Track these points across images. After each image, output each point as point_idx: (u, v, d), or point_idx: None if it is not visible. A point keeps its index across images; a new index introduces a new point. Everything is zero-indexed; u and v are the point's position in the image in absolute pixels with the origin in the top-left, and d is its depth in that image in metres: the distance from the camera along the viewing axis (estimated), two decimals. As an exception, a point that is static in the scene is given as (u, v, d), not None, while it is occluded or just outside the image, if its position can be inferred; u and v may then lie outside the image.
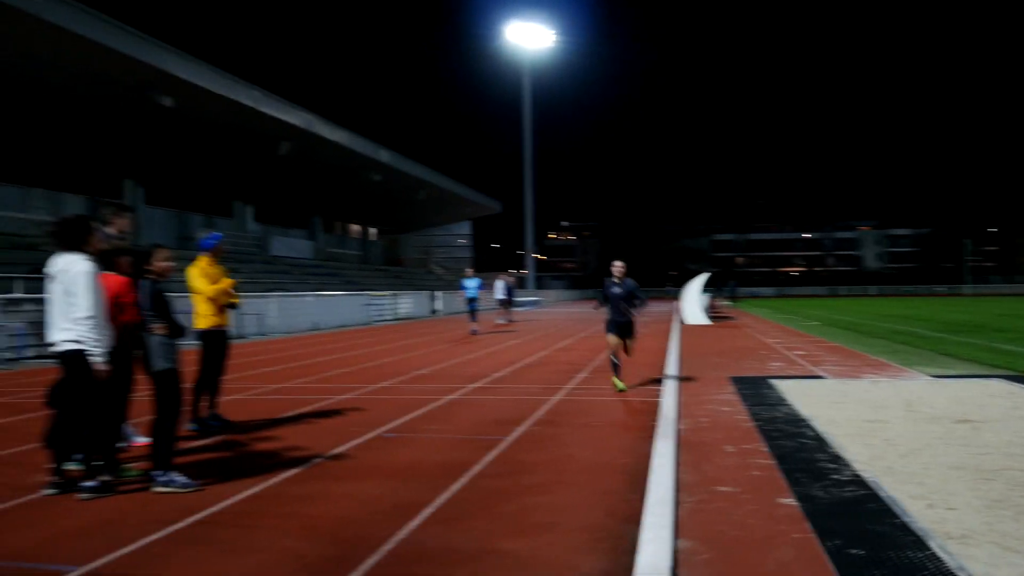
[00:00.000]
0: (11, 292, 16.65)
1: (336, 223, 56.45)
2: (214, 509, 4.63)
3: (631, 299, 9.50)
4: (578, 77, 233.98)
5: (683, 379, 10.48)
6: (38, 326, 14.94)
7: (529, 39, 62.16)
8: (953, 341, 16.51)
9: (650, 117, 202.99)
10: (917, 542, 3.83)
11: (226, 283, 7.42)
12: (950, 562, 3.55)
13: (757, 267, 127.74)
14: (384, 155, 37.84)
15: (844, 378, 10.39)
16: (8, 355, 14.34)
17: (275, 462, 5.87)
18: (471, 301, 21.81)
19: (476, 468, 5.57)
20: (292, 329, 24.50)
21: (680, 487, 4.90)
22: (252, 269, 32.35)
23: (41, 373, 12.80)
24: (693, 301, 26.14)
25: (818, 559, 3.62)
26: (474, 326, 21.44)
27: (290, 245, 44.33)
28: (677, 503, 4.53)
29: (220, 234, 7.70)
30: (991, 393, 8.81)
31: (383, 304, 33.03)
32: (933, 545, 3.78)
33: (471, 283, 21.98)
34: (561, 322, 28.94)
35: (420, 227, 69.32)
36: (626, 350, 9.77)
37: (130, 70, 21.51)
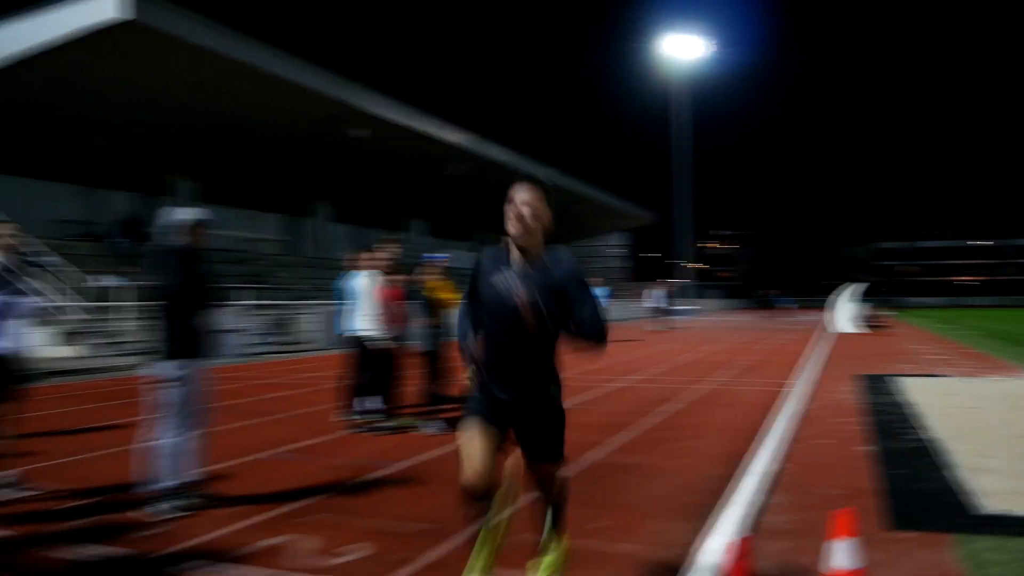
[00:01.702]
0: (231, 300, 20.10)
1: (498, 236, 59.87)
2: (465, 441, 6.99)
3: (562, 312, 3.08)
4: (736, 85, 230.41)
5: (814, 375, 12.10)
6: (275, 326, 18.32)
7: (685, 50, 63.38)
8: (1104, 349, 16.92)
9: (812, 122, 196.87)
10: (947, 468, 5.61)
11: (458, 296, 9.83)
12: (961, 476, 5.33)
13: (926, 276, 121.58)
14: (543, 172, 40.47)
15: (966, 377, 11.65)
16: (254, 350, 17.73)
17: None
18: None
19: (645, 424, 7.68)
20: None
21: (789, 440, 6.81)
22: (427, 279, 35.53)
23: (281, 364, 15.97)
24: (843, 309, 26.99)
25: (868, 473, 5.49)
26: None
27: (457, 257, 47.93)
28: (784, 447, 6.46)
29: (446, 255, 10.14)
30: (1097, 390, 9.95)
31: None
32: (958, 472, 5.53)
33: (599, 292, 23.85)
34: (715, 329, 30.40)
35: (577, 238, 71.60)
36: (544, 488, 3.31)
37: (332, 108, 25.05)
